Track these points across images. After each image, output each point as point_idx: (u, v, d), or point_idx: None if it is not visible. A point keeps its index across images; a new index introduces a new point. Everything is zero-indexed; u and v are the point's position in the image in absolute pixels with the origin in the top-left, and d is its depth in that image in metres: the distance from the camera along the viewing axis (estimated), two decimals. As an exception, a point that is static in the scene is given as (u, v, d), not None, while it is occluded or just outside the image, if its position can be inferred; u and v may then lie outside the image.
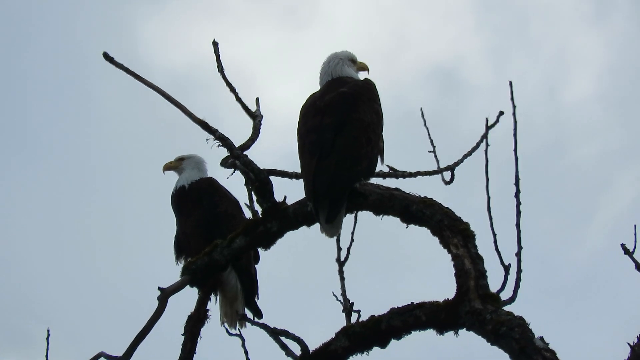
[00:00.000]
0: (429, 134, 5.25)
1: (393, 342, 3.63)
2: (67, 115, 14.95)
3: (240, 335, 4.82)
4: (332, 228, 4.11)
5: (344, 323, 4.84)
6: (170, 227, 6.38)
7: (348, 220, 4.31)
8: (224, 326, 6.02)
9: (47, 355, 4.78)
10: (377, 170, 4.46)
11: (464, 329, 3.43)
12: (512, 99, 4.46)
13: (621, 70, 15.57)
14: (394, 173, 5.09)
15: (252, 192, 4.34)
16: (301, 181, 4.28)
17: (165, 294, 3.87)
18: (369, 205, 4.05)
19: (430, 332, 3.55)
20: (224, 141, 4.17)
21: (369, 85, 4.60)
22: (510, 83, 4.49)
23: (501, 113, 4.92)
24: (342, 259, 5.13)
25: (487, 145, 4.62)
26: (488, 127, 4.92)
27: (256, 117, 4.59)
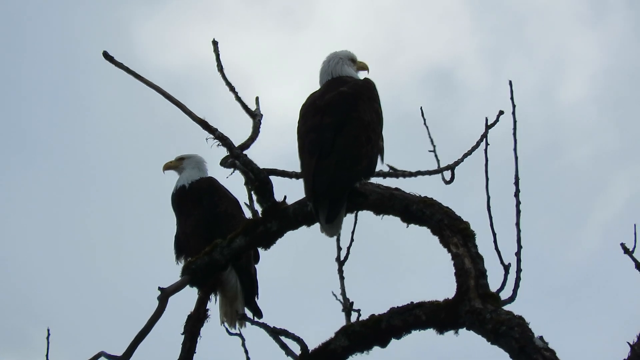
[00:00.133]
0: (429, 134, 5.24)
1: (393, 341, 3.63)
2: (66, 116, 14.97)
3: (240, 335, 4.83)
4: (332, 228, 4.11)
5: (343, 322, 4.84)
6: (171, 226, 6.39)
7: (348, 220, 4.31)
8: (223, 326, 6.02)
9: (47, 355, 4.78)
10: (377, 169, 4.46)
11: (464, 328, 3.44)
12: (512, 98, 4.47)
13: (617, 71, 15.61)
14: (394, 172, 5.09)
15: (252, 192, 4.34)
16: (301, 181, 4.28)
17: (165, 294, 3.87)
18: (369, 204, 4.05)
19: (430, 332, 3.55)
20: (224, 140, 4.17)
21: (368, 85, 4.60)
22: (510, 82, 4.49)
23: (501, 112, 4.91)
24: (342, 258, 5.13)
25: (487, 144, 4.62)
26: (488, 127, 4.92)
27: (256, 117, 4.59)
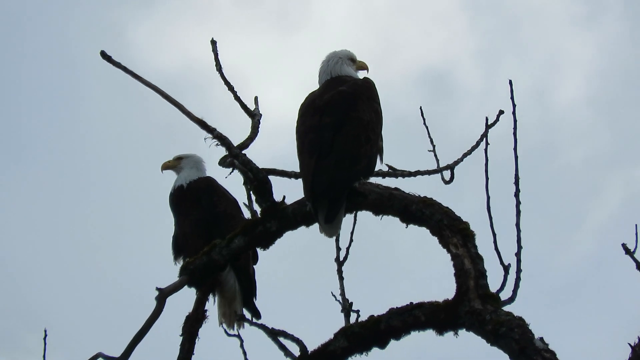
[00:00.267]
0: (428, 133, 5.23)
1: (392, 342, 3.61)
2: (65, 117, 14.98)
3: (238, 336, 4.80)
4: (331, 228, 4.10)
5: (342, 323, 4.82)
6: (169, 226, 6.37)
7: (347, 220, 4.30)
8: (222, 326, 6.01)
9: (44, 356, 4.76)
10: (376, 169, 4.44)
11: (464, 329, 3.42)
12: (512, 97, 4.46)
13: (611, 73, 15.65)
14: (394, 172, 5.08)
15: (251, 192, 4.32)
16: (300, 181, 4.26)
17: (163, 294, 3.85)
18: (369, 204, 4.03)
19: (430, 333, 3.53)
20: (222, 140, 4.15)
21: (368, 84, 4.59)
22: (510, 82, 4.48)
23: (501, 112, 4.91)
24: (341, 258, 5.11)
25: (487, 144, 4.61)
26: (488, 126, 4.91)
27: (255, 116, 4.58)
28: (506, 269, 4.05)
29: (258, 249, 4.71)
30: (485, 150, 4.51)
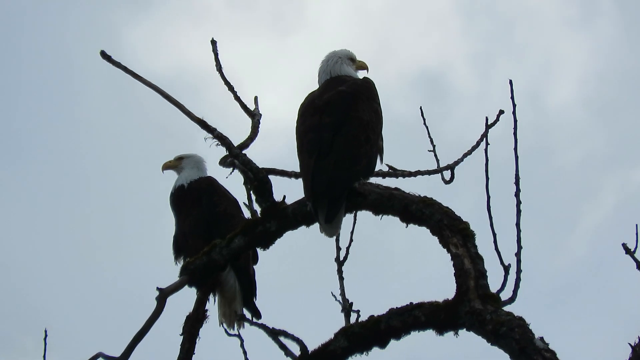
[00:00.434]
0: (428, 133, 5.24)
1: (392, 342, 3.61)
2: (64, 117, 14.98)
3: (239, 336, 4.80)
4: (331, 228, 4.10)
5: (343, 323, 4.82)
6: (169, 226, 6.38)
7: (347, 219, 4.30)
8: (222, 326, 6.01)
9: (44, 356, 4.76)
10: (376, 169, 4.44)
11: (464, 329, 3.42)
12: (512, 97, 4.44)
13: (605, 75, 15.66)
14: (394, 172, 5.08)
15: (251, 192, 4.32)
16: (300, 180, 4.26)
17: (163, 294, 3.85)
18: (368, 204, 4.03)
19: (430, 333, 3.53)
20: (223, 140, 4.15)
21: (368, 84, 4.58)
22: (511, 82, 4.47)
23: (501, 112, 4.90)
24: (341, 258, 5.11)
25: (487, 144, 4.60)
26: (488, 126, 4.91)
27: (255, 116, 4.57)
28: (506, 269, 4.05)
29: (258, 249, 4.71)
30: (486, 150, 4.51)
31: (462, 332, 3.44)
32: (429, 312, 3.49)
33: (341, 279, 5.08)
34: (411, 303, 3.57)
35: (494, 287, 3.59)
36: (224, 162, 4.46)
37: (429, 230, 3.80)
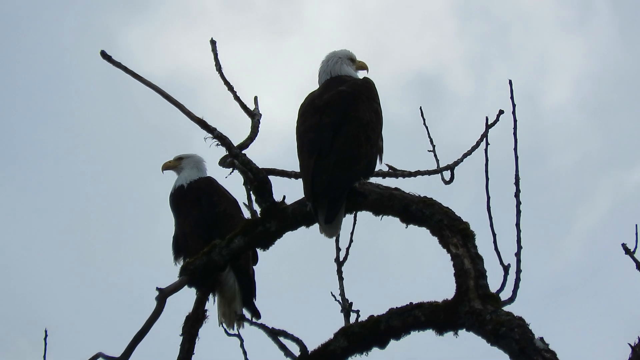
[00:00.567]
0: (428, 134, 5.24)
1: (392, 342, 3.61)
2: (62, 119, 15.00)
3: (238, 336, 4.80)
4: (331, 228, 4.10)
5: (342, 323, 4.82)
6: (169, 226, 6.37)
7: (347, 220, 4.30)
8: (222, 326, 6.00)
9: (44, 356, 4.76)
10: (376, 169, 4.44)
11: (464, 329, 3.42)
12: (512, 97, 4.45)
13: (601, 76, 15.68)
14: (394, 172, 5.08)
15: (251, 192, 4.32)
16: (300, 181, 4.26)
17: (163, 294, 3.85)
18: (368, 205, 4.03)
19: (430, 333, 3.53)
20: (223, 140, 4.14)
21: (368, 84, 4.58)
22: (510, 82, 4.48)
23: (501, 112, 4.90)
24: (341, 259, 5.11)
25: (487, 144, 4.61)
26: (488, 126, 4.91)
27: (254, 116, 4.57)
28: (506, 269, 4.05)
29: (258, 249, 4.71)
30: (486, 150, 4.51)
31: (462, 332, 3.44)
32: (428, 312, 3.49)
33: (341, 279, 5.08)
34: (411, 303, 3.57)
35: (493, 287, 3.59)
36: (223, 162, 4.46)
37: (429, 231, 3.81)
